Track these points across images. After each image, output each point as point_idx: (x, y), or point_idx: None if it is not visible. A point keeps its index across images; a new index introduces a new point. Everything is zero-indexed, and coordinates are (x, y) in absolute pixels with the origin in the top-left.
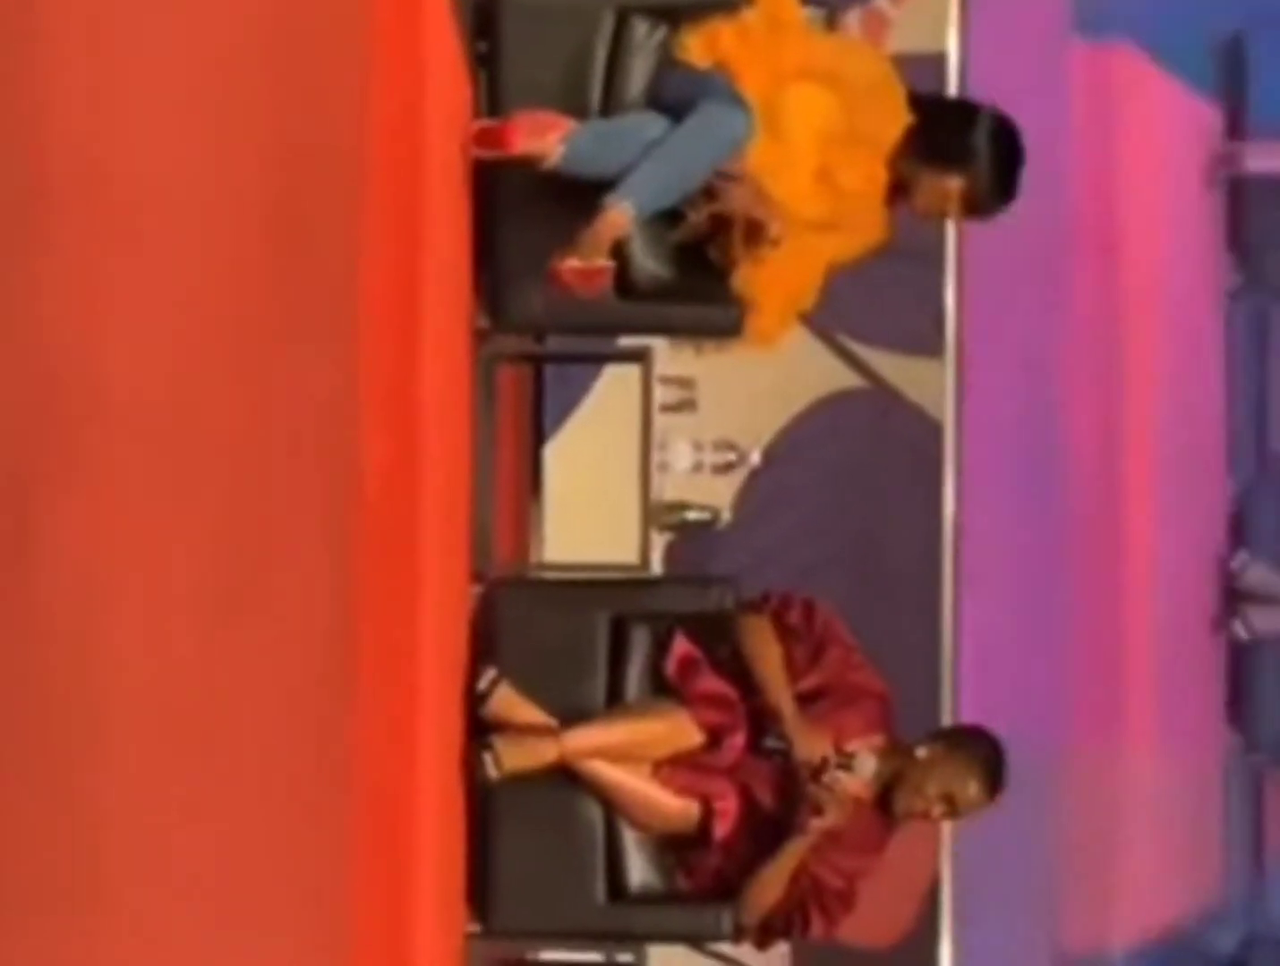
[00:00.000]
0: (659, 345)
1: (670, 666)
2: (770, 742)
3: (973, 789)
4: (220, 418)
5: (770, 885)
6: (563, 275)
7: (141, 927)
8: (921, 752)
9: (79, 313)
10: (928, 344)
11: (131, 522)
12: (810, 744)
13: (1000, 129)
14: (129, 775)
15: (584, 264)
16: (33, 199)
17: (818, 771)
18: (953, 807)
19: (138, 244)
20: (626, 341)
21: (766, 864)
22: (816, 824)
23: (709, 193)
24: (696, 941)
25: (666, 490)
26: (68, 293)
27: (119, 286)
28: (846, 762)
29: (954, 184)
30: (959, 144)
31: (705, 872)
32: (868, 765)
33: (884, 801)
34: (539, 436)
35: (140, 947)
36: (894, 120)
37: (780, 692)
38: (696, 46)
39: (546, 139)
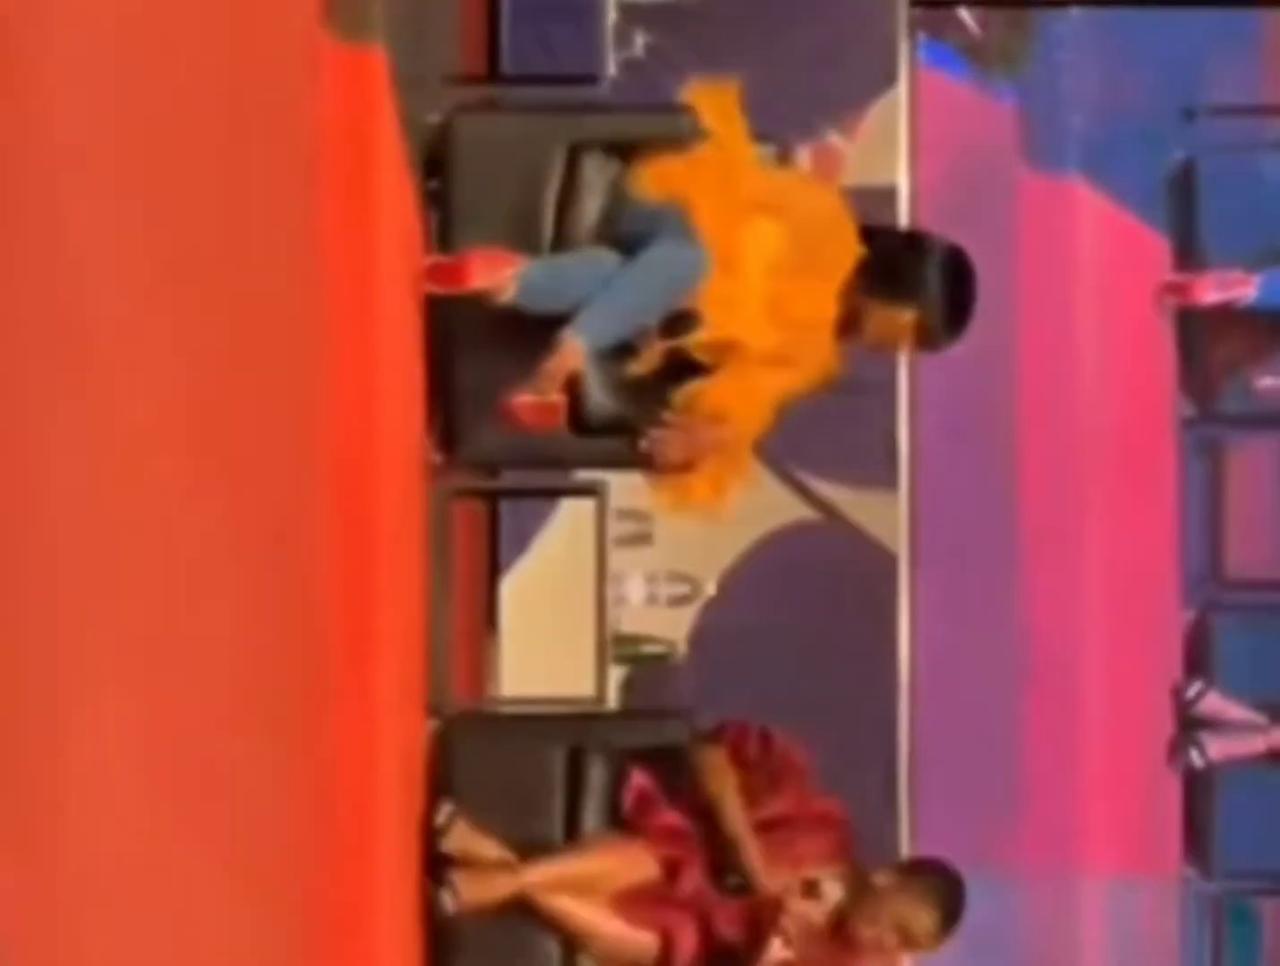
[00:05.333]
0: (613, 479)
1: (627, 800)
2: (731, 878)
3: (927, 921)
4: (171, 557)
5: None
6: (516, 411)
7: None
8: (879, 880)
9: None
10: (882, 477)
11: (84, 654)
12: (771, 874)
13: (952, 261)
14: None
15: (537, 399)
16: None
17: (782, 903)
18: (906, 939)
19: (86, 380)
20: (581, 476)
21: None
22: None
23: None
24: None
25: (622, 623)
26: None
27: (62, 420)
28: (811, 890)
29: (906, 316)
30: (911, 277)
31: None
32: (834, 891)
33: (838, 929)
34: (494, 571)
35: None
36: (846, 253)
37: (738, 824)
38: (649, 182)
39: (499, 275)
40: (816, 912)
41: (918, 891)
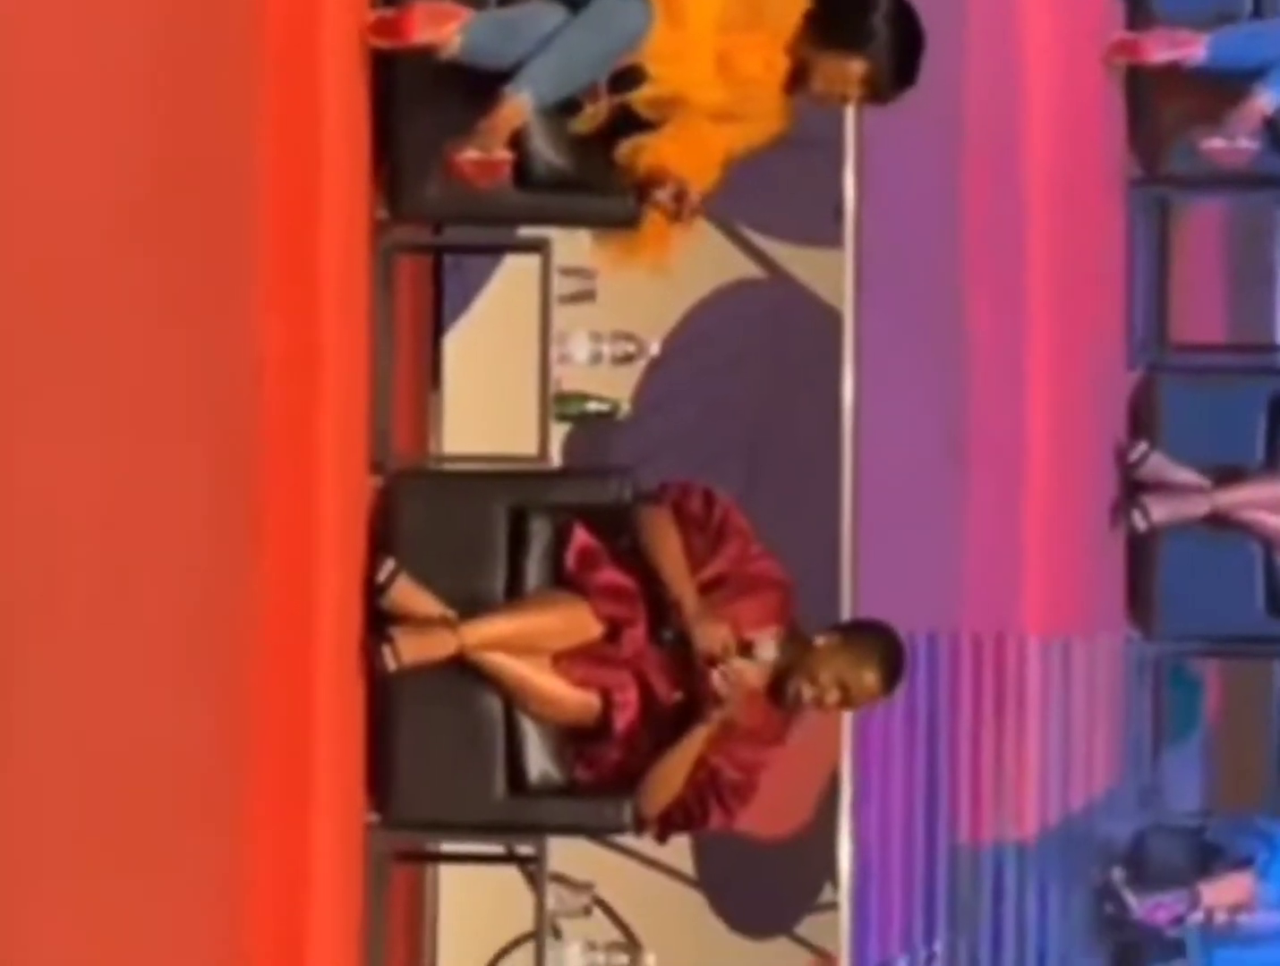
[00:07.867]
0: (558, 236)
1: (569, 558)
2: (669, 634)
3: (868, 678)
4: (116, 307)
5: (671, 775)
6: (461, 166)
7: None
8: (819, 642)
9: None
10: (827, 234)
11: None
12: (710, 633)
13: (900, 12)
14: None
15: (482, 155)
16: None
17: (717, 660)
18: (847, 696)
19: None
20: (526, 232)
21: (667, 754)
22: (717, 713)
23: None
24: (596, 833)
25: (565, 381)
26: None
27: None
28: (747, 649)
29: (854, 67)
30: (859, 26)
31: (605, 764)
32: (768, 650)
33: (777, 692)
34: (438, 328)
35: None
36: (793, 6)
37: (680, 582)
38: None
39: (444, 28)
40: (751, 673)
41: (859, 650)
